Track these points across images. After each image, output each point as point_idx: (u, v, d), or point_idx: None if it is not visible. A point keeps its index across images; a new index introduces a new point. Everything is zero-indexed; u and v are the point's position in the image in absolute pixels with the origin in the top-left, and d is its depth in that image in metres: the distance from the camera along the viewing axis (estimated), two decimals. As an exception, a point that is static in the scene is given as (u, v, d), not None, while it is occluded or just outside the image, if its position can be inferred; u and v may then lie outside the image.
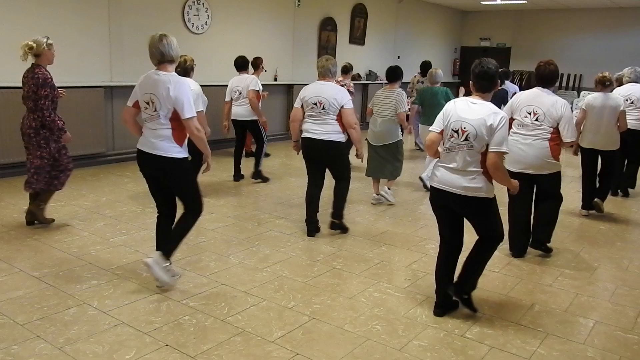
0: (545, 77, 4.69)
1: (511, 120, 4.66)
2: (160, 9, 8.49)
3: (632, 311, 3.85)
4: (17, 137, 5.26)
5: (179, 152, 3.78)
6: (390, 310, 3.69)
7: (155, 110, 3.70)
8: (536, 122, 4.58)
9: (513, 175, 4.43)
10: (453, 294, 3.66)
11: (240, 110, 7.22)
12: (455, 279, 3.68)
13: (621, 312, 3.82)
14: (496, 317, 3.65)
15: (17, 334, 3.19)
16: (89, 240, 4.82)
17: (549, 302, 3.94)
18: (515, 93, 9.01)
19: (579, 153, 6.26)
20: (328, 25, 11.90)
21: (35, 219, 5.12)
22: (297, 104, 5.14)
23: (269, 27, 10.50)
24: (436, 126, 3.55)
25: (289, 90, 10.81)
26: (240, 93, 7.19)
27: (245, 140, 7.67)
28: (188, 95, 3.68)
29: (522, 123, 4.65)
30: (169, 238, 3.96)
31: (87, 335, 3.21)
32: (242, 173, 7.42)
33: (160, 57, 3.70)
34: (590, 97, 6.13)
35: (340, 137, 5.02)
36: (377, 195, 6.39)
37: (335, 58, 12.04)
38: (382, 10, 13.57)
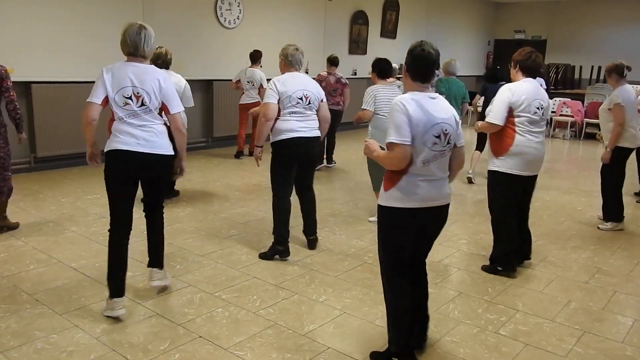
0: (534, 67, 4.12)
1: (510, 118, 4.05)
2: (193, 4, 8.57)
3: (672, 310, 3.74)
4: (69, 129, 5.31)
5: (172, 149, 3.52)
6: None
7: (143, 105, 3.32)
8: (543, 117, 4.09)
9: (516, 179, 4.07)
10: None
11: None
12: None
13: (661, 311, 3.72)
14: (530, 314, 3.59)
15: (56, 324, 3.27)
16: (124, 232, 4.90)
17: (585, 299, 3.85)
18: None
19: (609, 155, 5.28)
20: (359, 19, 11.83)
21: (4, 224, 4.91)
22: (272, 99, 4.26)
23: (300, 21, 10.50)
24: (405, 137, 2.67)
25: (321, 85, 10.77)
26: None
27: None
28: (174, 89, 3.50)
29: (533, 120, 4.03)
30: (156, 249, 3.73)
31: (123, 326, 3.27)
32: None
33: (134, 50, 3.35)
34: (621, 89, 5.24)
35: (319, 133, 4.57)
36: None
37: (366, 52, 12.10)
38: (414, 3, 13.43)
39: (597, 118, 5.57)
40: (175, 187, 6.18)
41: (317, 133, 4.48)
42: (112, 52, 7.61)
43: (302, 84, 4.41)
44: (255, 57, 8.21)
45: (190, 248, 4.56)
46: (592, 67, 14.38)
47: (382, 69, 5.41)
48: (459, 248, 4.78)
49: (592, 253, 4.78)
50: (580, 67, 14.79)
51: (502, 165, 4.07)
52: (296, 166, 4.44)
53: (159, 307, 3.52)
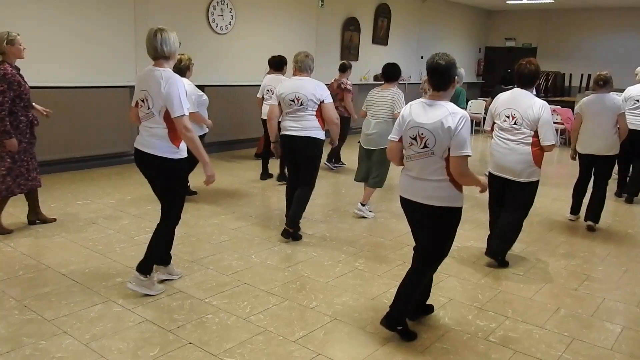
0: (525, 77, 4.37)
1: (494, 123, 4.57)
2: (185, 9, 8.57)
3: (660, 317, 3.77)
4: (58, 134, 5.28)
5: (175, 153, 3.61)
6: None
7: (149, 108, 3.54)
8: (515, 125, 4.31)
9: (492, 177, 4.50)
10: (385, 327, 3.28)
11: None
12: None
13: (649, 318, 3.75)
14: (520, 321, 3.61)
15: (45, 330, 3.25)
16: (114, 238, 4.89)
17: (574, 306, 3.88)
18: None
19: (576, 158, 5.86)
20: (351, 25, 11.88)
21: (37, 218, 5.16)
22: (273, 101, 4.98)
23: (293, 27, 10.53)
24: (394, 134, 3.27)
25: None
26: (273, 93, 7.13)
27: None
28: (179, 93, 3.49)
29: (502, 127, 4.41)
30: (149, 254, 3.78)
31: (112, 332, 3.25)
32: (270, 172, 7.48)
33: (154, 53, 3.54)
34: (585, 100, 5.66)
35: (320, 134, 4.87)
36: (363, 205, 5.81)
37: (358, 58, 12.15)
38: (406, 10, 13.50)
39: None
40: (192, 188, 6.35)
41: (309, 133, 4.81)
42: (105, 56, 7.66)
43: (296, 86, 4.80)
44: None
45: (180, 254, 4.54)
46: (582, 74, 14.50)
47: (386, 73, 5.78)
48: (449, 255, 4.79)
49: (582, 260, 4.81)
50: (570, 74, 14.91)
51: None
52: (294, 161, 5.01)
53: (149, 313, 3.50)
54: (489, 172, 4.59)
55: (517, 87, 4.45)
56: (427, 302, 3.64)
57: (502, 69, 13.17)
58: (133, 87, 8.30)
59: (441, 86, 3.11)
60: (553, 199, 6.84)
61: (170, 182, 3.69)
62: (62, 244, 4.68)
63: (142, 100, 3.58)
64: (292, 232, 4.94)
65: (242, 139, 9.43)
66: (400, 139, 3.24)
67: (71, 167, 7.39)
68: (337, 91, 8.02)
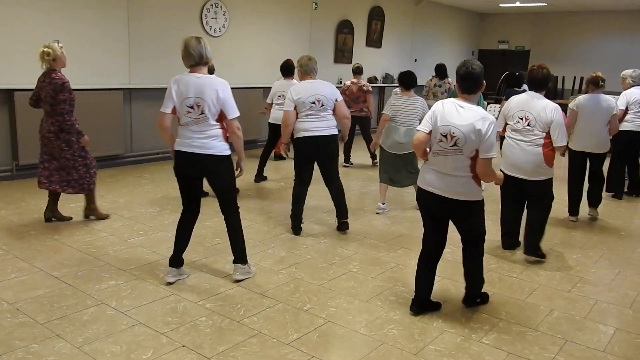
0: (538, 80, 4.62)
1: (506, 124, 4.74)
2: (179, 11, 8.56)
3: (653, 318, 3.79)
4: (37, 139, 5.33)
5: (227, 150, 3.91)
6: (406, 314, 3.67)
7: (203, 113, 3.76)
8: (528, 127, 4.53)
9: (505, 176, 4.51)
10: (466, 306, 3.81)
11: (279, 115, 7.09)
12: (464, 290, 3.85)
13: (642, 319, 3.77)
14: (514, 323, 3.62)
15: (37, 333, 3.23)
16: (107, 240, 4.87)
17: (568, 308, 3.89)
18: None
19: (566, 155, 5.97)
20: (345, 28, 11.90)
21: (54, 216, 5.30)
22: (289, 107, 5.03)
23: (286, 30, 10.54)
24: (424, 126, 3.49)
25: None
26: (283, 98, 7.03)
27: (276, 143, 7.49)
28: (231, 97, 3.84)
29: (515, 128, 4.62)
30: (234, 247, 4.11)
31: (105, 335, 3.24)
32: (264, 175, 7.48)
33: (199, 59, 3.76)
34: (582, 98, 5.88)
35: (337, 131, 5.21)
36: (383, 204, 6.15)
37: (352, 61, 12.19)
38: (399, 13, 13.54)
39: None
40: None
41: (332, 132, 5.12)
42: (99, 59, 7.64)
43: (316, 89, 5.05)
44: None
45: (174, 256, 4.53)
46: (575, 77, 14.58)
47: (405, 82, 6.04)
48: (442, 257, 4.79)
49: (575, 262, 4.83)
50: (563, 77, 14.99)
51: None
52: (313, 161, 5.20)
53: (142, 316, 3.49)
54: (501, 170, 4.62)
55: (530, 90, 4.69)
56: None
57: (495, 72, 13.26)
58: (127, 89, 8.37)
59: (472, 90, 3.42)
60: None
61: (227, 176, 3.97)
62: (55, 247, 4.66)
63: (192, 107, 3.76)
64: (347, 221, 5.37)
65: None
66: (429, 132, 3.46)
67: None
68: (359, 94, 8.42)
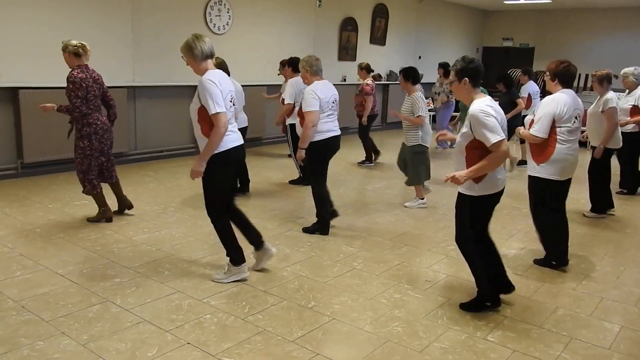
0: (572, 77, 4.44)
1: (553, 127, 4.28)
2: (183, 9, 8.56)
3: (658, 316, 3.77)
4: (56, 134, 5.39)
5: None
6: (411, 312, 3.67)
7: (234, 105, 3.92)
8: (579, 125, 4.42)
9: (554, 184, 4.38)
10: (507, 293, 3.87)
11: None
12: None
13: (647, 317, 3.75)
14: (519, 321, 3.61)
15: (43, 330, 3.24)
16: (111, 238, 4.88)
17: (572, 306, 3.88)
18: (536, 92, 8.89)
19: (596, 154, 5.92)
20: (349, 26, 11.88)
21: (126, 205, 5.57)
22: (315, 107, 4.87)
23: (290, 27, 10.53)
24: (502, 134, 3.36)
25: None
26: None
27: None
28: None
29: (571, 129, 4.31)
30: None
31: (110, 333, 3.24)
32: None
33: (210, 56, 3.82)
34: (615, 96, 5.85)
35: None
36: (421, 199, 6.30)
37: (355, 59, 12.18)
38: (403, 10, 13.52)
39: (584, 124, 5.80)
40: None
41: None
42: (103, 57, 7.64)
43: (331, 89, 5.10)
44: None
45: (178, 254, 4.54)
46: (580, 74, 14.52)
47: (415, 77, 6.09)
48: (447, 254, 4.80)
49: (580, 260, 4.81)
50: (568, 74, 14.93)
51: (541, 171, 4.36)
52: (328, 161, 5.25)
53: (147, 313, 3.50)
54: (555, 180, 4.35)
55: (565, 87, 4.38)
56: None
57: (499, 69, 13.22)
58: (131, 87, 8.38)
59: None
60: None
61: (206, 177, 3.89)
62: (60, 245, 4.67)
63: (231, 100, 3.84)
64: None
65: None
66: None
67: (69, 167, 7.35)
68: (372, 92, 8.49)
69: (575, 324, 3.60)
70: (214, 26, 9.06)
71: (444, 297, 3.92)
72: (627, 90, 6.69)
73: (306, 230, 5.22)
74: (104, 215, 5.27)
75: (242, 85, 8.70)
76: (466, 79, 3.46)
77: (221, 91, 3.69)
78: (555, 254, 4.56)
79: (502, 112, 3.50)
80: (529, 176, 4.49)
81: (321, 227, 5.19)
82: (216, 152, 3.75)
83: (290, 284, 4.06)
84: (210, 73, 3.75)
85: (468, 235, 3.62)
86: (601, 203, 6.16)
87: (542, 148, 4.33)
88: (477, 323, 3.55)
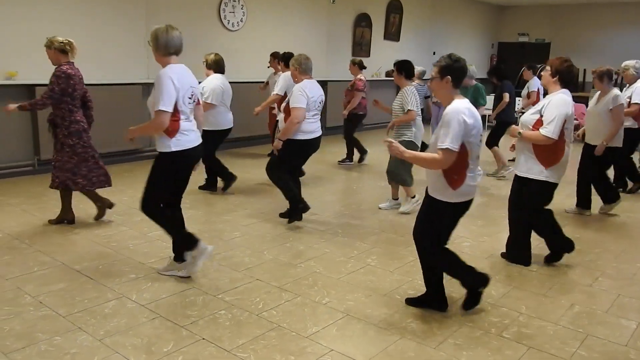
0: (572, 78, 4.35)
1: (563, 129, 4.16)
2: (197, 6, 8.60)
3: (676, 313, 3.72)
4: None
5: (163, 147, 3.91)
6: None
7: (193, 102, 3.90)
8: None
9: (553, 186, 4.32)
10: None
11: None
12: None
13: (665, 314, 3.71)
14: (534, 317, 3.58)
15: (60, 326, 3.28)
16: (127, 234, 4.92)
17: (588, 302, 3.84)
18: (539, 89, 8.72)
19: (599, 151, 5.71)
20: (363, 22, 11.84)
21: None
22: (303, 104, 4.92)
23: (304, 23, 10.52)
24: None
25: (323, 87, 10.79)
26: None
27: None
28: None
29: (570, 130, 4.29)
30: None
31: (126, 328, 3.27)
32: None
33: (180, 49, 3.86)
34: (620, 92, 5.79)
35: None
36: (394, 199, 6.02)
37: (370, 55, 12.13)
38: (418, 6, 13.45)
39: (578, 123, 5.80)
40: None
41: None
42: (117, 54, 7.70)
43: (320, 89, 5.16)
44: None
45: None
46: (594, 70, 14.34)
47: (409, 70, 5.79)
48: (462, 250, 4.77)
49: (595, 256, 4.76)
50: (584, 70, 14.75)
51: (551, 175, 4.23)
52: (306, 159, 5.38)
53: (162, 309, 3.53)
54: (555, 183, 4.30)
55: (564, 88, 4.30)
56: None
57: (515, 64, 13.10)
58: (145, 84, 8.42)
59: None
60: (566, 195, 6.78)
61: (151, 170, 3.94)
62: (76, 241, 4.72)
63: (190, 97, 3.83)
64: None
65: (253, 136, 9.44)
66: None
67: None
68: (364, 88, 8.31)
69: (591, 320, 3.57)
70: (228, 22, 9.08)
71: (458, 293, 3.89)
72: (627, 85, 6.59)
73: (282, 215, 5.35)
74: (66, 217, 5.16)
75: (257, 82, 8.78)
76: (449, 77, 3.27)
77: (178, 89, 3.67)
78: (569, 245, 4.56)
79: (480, 118, 3.35)
80: (533, 180, 4.25)
81: (296, 206, 5.24)
82: (171, 150, 3.74)
83: (304, 280, 4.07)
84: (170, 68, 3.71)
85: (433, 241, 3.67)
86: (611, 192, 6.04)
87: (552, 151, 4.16)
88: (491, 320, 3.53)
